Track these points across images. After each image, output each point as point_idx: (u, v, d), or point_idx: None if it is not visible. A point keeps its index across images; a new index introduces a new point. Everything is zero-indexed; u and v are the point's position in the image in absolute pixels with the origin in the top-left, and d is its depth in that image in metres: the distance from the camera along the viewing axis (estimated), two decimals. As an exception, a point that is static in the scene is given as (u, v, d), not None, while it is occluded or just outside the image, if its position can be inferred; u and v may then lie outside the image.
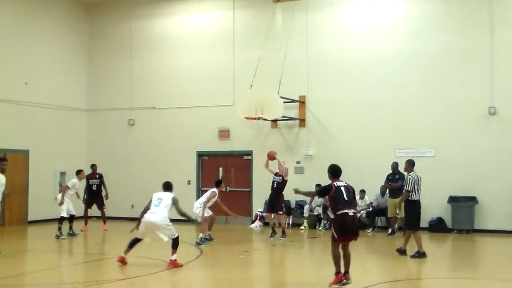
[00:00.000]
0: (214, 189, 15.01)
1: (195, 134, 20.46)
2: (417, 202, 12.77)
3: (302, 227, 18.18)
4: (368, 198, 17.75)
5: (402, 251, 12.93)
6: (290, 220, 18.87)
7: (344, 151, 18.12)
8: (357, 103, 18.51)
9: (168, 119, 20.91)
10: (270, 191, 16.10)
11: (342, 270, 9.45)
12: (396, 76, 18.22)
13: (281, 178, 15.89)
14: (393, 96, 18.18)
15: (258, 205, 19.06)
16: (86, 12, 22.13)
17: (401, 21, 18.45)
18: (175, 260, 11.32)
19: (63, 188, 16.33)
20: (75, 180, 16.26)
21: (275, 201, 15.93)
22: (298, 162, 19.12)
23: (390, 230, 16.83)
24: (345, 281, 9.36)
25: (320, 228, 17.98)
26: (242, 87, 18.86)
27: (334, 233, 9.37)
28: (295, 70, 18.78)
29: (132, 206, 20.66)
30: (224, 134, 20.15)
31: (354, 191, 9.79)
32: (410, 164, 13.12)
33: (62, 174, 20.45)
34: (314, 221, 18.28)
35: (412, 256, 12.59)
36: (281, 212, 15.96)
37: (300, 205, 18.93)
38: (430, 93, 17.83)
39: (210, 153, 20.48)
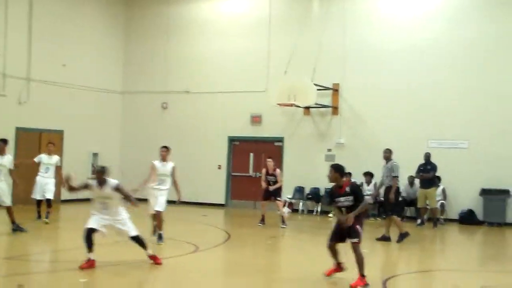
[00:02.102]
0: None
1: (227, 119, 20.55)
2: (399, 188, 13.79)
3: (330, 215, 18.16)
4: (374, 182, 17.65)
5: (386, 238, 13.07)
6: (319, 207, 18.87)
7: (376, 140, 17.97)
8: (392, 91, 18.35)
9: (201, 104, 21.02)
10: (266, 186, 15.69)
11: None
12: (432, 65, 17.99)
13: (275, 178, 15.62)
14: (428, 85, 17.96)
15: (288, 191, 19.09)
16: (123, -4, 22.35)
17: (438, 9, 18.20)
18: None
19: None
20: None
21: (273, 191, 15.55)
22: (329, 150, 19.07)
23: (419, 221, 16.70)
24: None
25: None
26: (275, 73, 18.86)
27: (361, 232, 8.58)
28: (330, 57, 18.68)
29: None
30: (256, 120, 20.18)
31: None
32: (391, 153, 13.76)
33: (95, 155, 20.77)
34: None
35: (398, 241, 12.88)
36: (279, 199, 15.64)
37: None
38: (466, 83, 17.57)
39: (242, 139, 20.55)
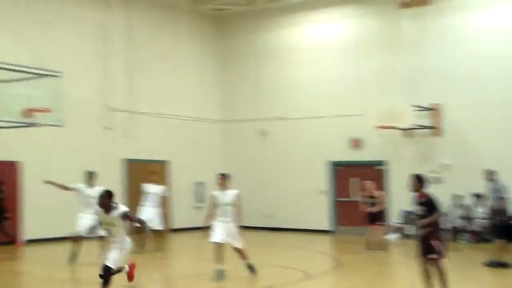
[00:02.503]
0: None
1: (326, 143, 20.37)
2: None
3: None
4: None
5: (501, 264, 12.21)
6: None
7: (484, 161, 17.19)
8: (499, 110, 17.57)
9: (298, 129, 20.98)
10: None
11: None
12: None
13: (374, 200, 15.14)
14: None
15: (394, 216, 18.57)
16: (215, 26, 22.74)
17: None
18: None
19: None
20: None
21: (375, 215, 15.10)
22: (434, 172, 18.44)
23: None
24: None
25: (460, 240, 17.13)
26: (370, 95, 18.61)
27: (439, 247, 8.83)
28: (427, 76, 18.21)
29: (270, 216, 20.96)
30: (356, 143, 19.90)
31: None
32: (492, 173, 13.75)
33: (200, 184, 21.11)
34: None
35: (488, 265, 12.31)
36: (379, 223, 15.07)
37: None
38: None
39: (341, 163, 20.30)
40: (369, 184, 15.34)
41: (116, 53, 19.08)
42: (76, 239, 12.98)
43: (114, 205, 8.87)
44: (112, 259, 8.75)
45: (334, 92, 20.24)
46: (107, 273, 8.69)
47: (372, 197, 15.15)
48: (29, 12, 16.85)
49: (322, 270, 12.38)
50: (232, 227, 10.85)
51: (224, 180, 11.07)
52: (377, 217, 15.01)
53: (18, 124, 13.87)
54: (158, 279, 11.98)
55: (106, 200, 8.84)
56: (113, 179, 18.57)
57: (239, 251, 11.01)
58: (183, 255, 15.10)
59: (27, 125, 13.75)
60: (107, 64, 18.79)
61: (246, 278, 11.29)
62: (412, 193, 9.19)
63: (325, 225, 20.28)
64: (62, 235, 15.21)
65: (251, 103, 21.99)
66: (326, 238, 19.20)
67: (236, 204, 10.92)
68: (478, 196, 17.13)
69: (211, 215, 10.99)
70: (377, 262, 13.67)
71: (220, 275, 10.77)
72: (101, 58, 18.67)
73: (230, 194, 10.93)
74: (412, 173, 9.28)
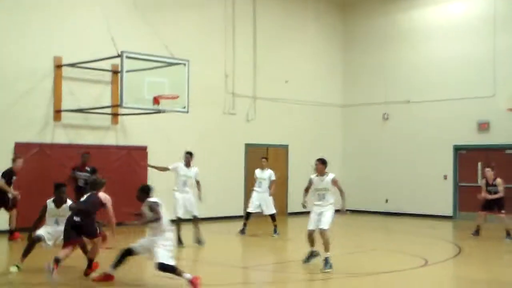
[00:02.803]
0: None
1: (451, 127, 19.70)
2: None
3: None
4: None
5: None
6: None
7: None
8: None
9: (423, 112, 20.44)
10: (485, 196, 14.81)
11: None
12: None
13: (495, 188, 14.61)
14: None
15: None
16: (340, 11, 22.66)
17: None
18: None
19: None
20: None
21: (495, 202, 14.62)
22: None
23: None
24: None
25: None
26: (504, 75, 17.73)
27: None
28: None
29: (386, 200, 20.82)
30: (483, 126, 19.06)
31: None
32: None
33: (318, 168, 21.18)
34: None
35: None
36: (503, 211, 14.51)
37: None
38: None
39: (468, 147, 19.56)
40: (489, 172, 14.83)
41: (240, 39, 19.46)
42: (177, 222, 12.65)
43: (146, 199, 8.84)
44: (160, 256, 8.50)
45: (463, 73, 19.53)
46: (164, 269, 8.47)
47: (493, 185, 14.73)
48: (157, 1, 17.57)
49: (443, 256, 12.06)
50: (327, 212, 10.57)
51: (321, 165, 10.83)
52: (499, 204, 14.60)
53: (148, 111, 14.71)
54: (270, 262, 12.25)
55: (140, 194, 8.89)
56: (235, 164, 19.16)
57: (323, 237, 10.42)
58: (295, 238, 15.12)
59: (155, 111, 14.53)
60: (231, 50, 19.24)
61: (365, 262, 11.29)
62: None
63: (448, 210, 19.67)
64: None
65: (374, 87, 21.73)
66: (446, 224, 18.64)
67: (337, 188, 10.72)
68: None
69: (305, 199, 10.93)
70: (501, 251, 13.10)
71: (308, 259, 10.74)
72: (226, 44, 19.12)
73: (328, 179, 10.69)
74: None
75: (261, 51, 20.00)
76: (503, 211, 14.52)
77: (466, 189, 19.41)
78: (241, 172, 19.27)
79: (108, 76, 16.15)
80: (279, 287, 9.71)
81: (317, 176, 10.83)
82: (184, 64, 14.30)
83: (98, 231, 9.38)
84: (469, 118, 19.26)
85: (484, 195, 14.77)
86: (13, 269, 9.53)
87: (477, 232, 14.75)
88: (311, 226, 10.68)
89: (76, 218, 9.14)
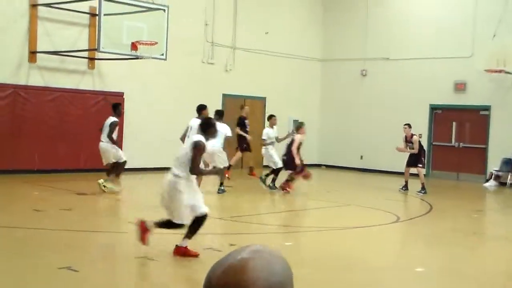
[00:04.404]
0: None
1: (428, 86, 19.77)
2: None
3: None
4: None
5: None
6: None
7: None
8: None
9: (401, 71, 20.45)
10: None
11: None
12: None
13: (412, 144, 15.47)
14: None
15: (494, 164, 17.98)
16: (323, -37, 22.37)
17: None
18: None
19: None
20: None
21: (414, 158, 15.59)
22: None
23: None
24: None
25: None
26: (482, 37, 17.74)
27: None
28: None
29: (361, 157, 20.95)
30: (460, 87, 19.20)
31: None
32: None
33: (295, 121, 21.21)
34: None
35: None
36: (420, 165, 15.49)
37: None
38: None
39: (444, 107, 19.71)
40: (406, 129, 15.65)
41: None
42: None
43: None
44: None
45: (442, 33, 19.44)
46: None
47: (409, 141, 15.58)
48: None
49: (415, 214, 12.27)
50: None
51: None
52: (416, 160, 15.54)
53: (125, 56, 14.48)
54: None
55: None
56: (212, 115, 18.96)
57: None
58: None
59: (133, 57, 14.31)
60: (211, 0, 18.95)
61: (336, 217, 11.45)
62: None
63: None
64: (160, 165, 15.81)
65: (354, 43, 21.60)
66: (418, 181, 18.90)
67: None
68: None
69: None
70: (471, 210, 13.36)
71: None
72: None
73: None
74: None
75: (242, 1, 19.70)
76: (419, 165, 15.50)
77: (440, 148, 19.69)
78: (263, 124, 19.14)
79: (86, 18, 15.79)
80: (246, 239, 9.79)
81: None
82: (164, 10, 14.05)
83: None
84: (446, 78, 19.35)
85: (401, 148, 15.83)
86: None
87: (405, 187, 15.63)
88: None
89: None
